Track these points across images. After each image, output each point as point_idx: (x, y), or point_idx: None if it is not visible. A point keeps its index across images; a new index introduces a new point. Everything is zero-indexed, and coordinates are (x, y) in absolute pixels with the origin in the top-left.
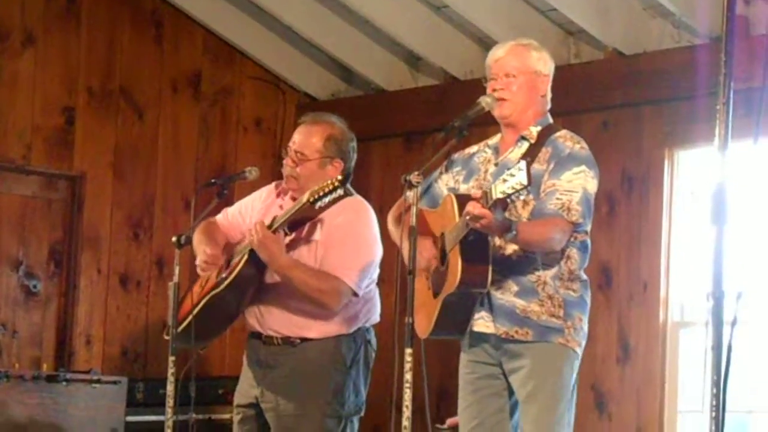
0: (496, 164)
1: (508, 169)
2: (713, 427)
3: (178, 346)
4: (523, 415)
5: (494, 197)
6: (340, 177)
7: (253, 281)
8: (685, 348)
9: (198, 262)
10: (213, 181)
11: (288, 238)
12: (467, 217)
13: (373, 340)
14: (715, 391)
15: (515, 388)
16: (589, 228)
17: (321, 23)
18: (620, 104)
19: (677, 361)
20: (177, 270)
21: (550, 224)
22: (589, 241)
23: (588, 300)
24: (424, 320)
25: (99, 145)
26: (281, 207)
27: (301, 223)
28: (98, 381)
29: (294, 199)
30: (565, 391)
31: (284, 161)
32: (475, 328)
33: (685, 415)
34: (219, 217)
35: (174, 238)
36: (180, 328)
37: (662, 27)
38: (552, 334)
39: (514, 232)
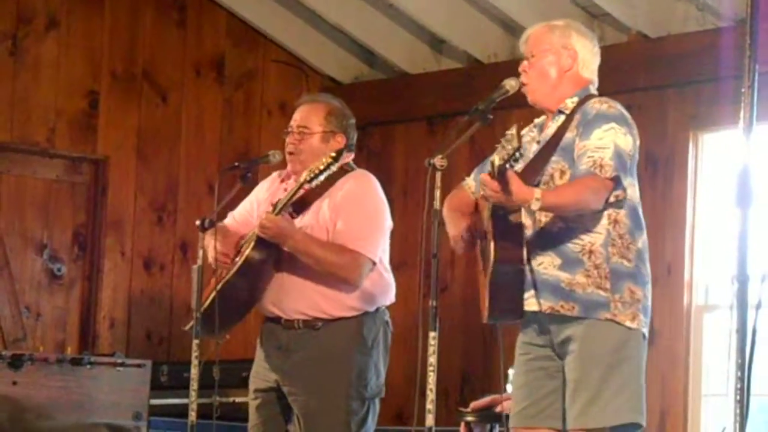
0: (537, 142)
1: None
2: (737, 411)
3: (202, 336)
4: (569, 405)
5: (496, 165)
6: (333, 153)
7: (263, 267)
8: (710, 331)
9: (210, 260)
10: (236, 164)
11: (296, 222)
12: (481, 192)
13: (390, 322)
14: (739, 374)
15: (566, 373)
16: (626, 184)
17: (344, 6)
18: (644, 87)
19: (701, 345)
20: (201, 253)
21: (578, 184)
22: (637, 205)
23: (646, 272)
24: (483, 303)
25: (122, 128)
26: (285, 191)
27: (307, 204)
28: (122, 364)
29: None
30: (618, 375)
31: (286, 141)
32: (526, 308)
33: (710, 399)
34: (227, 221)
35: (198, 222)
36: (197, 318)
37: (687, 9)
38: (598, 309)
39: (537, 200)
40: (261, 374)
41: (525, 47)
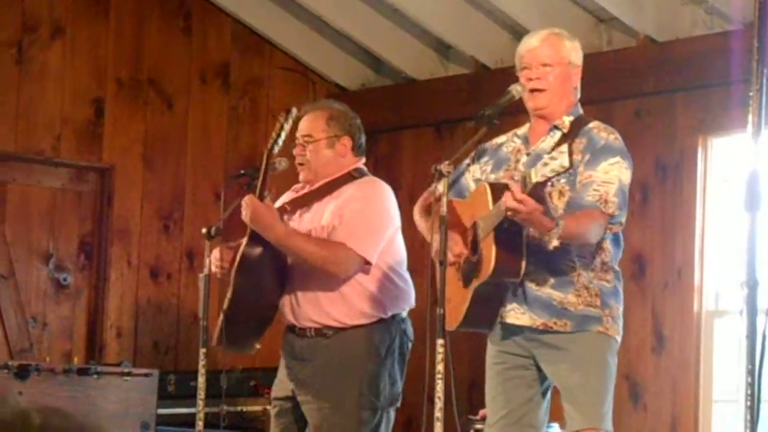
0: (528, 154)
1: (548, 154)
2: (748, 417)
3: (232, 351)
4: (570, 404)
5: (533, 181)
6: (281, 115)
7: (263, 262)
8: (720, 337)
9: (214, 269)
10: (242, 172)
11: (296, 221)
12: (503, 207)
13: (409, 330)
14: (750, 380)
15: (555, 379)
16: (624, 220)
17: (350, 12)
18: (653, 92)
19: (712, 351)
20: (207, 262)
21: (589, 218)
22: (621, 234)
23: (621, 291)
24: (452, 312)
25: (128, 136)
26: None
27: (308, 204)
28: (129, 374)
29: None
30: (611, 381)
31: (294, 152)
32: (507, 320)
33: (721, 405)
34: None
35: (204, 230)
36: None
37: (695, 13)
38: (591, 323)
39: (558, 230)
40: (280, 382)
41: (532, 54)
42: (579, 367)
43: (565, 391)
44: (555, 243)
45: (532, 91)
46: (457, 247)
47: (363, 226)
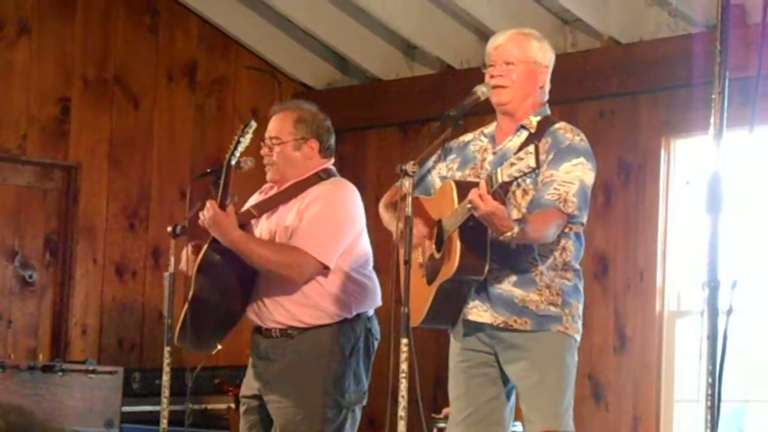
0: (494, 153)
1: (515, 154)
2: (709, 417)
3: (192, 349)
4: (528, 406)
5: (500, 180)
6: (242, 126)
7: (225, 265)
8: (682, 337)
9: (182, 268)
10: (208, 171)
11: (261, 223)
12: (468, 205)
13: (375, 328)
14: (710, 380)
15: (515, 380)
16: (585, 220)
17: (316, 12)
18: (617, 93)
19: (674, 351)
20: (172, 260)
21: (545, 222)
22: (583, 233)
23: (582, 289)
24: (416, 309)
25: (94, 134)
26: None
27: (274, 206)
28: (94, 371)
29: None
30: (570, 380)
31: (262, 153)
32: (469, 317)
33: (682, 405)
34: None
35: (169, 229)
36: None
37: (659, 16)
38: (550, 323)
39: (514, 233)
40: (248, 382)
41: (498, 52)
42: (537, 368)
43: (524, 392)
44: (504, 239)
45: (495, 87)
46: (420, 240)
47: (322, 230)
